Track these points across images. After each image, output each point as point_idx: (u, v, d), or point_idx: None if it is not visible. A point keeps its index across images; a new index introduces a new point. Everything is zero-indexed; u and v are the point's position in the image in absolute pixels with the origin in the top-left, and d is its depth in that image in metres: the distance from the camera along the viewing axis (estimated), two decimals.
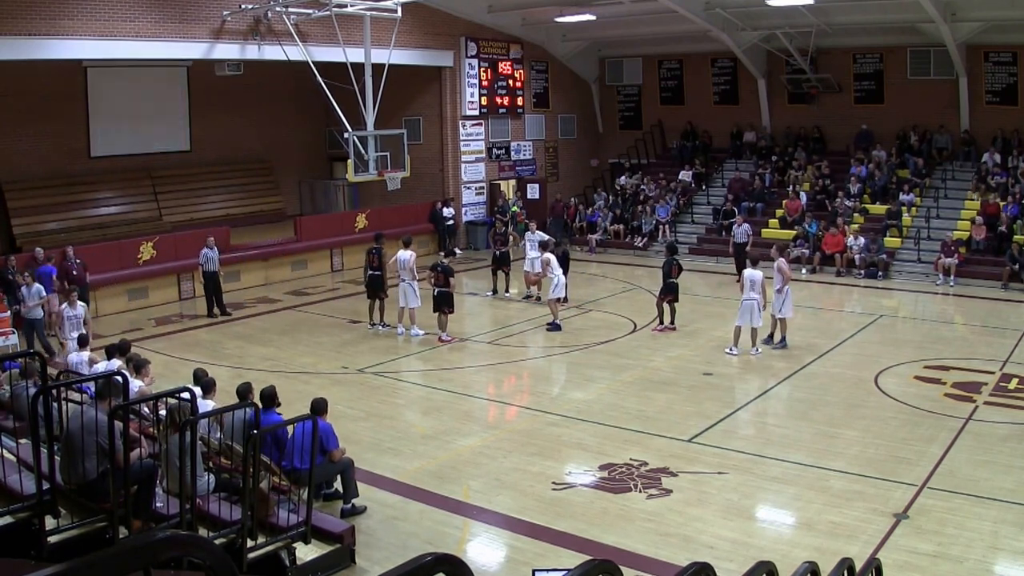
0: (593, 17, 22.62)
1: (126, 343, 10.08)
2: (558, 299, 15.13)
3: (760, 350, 13.14)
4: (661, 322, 14.79)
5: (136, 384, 8.31)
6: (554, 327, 14.81)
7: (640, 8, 21.61)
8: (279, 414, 7.79)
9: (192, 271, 18.21)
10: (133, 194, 21.55)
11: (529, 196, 24.79)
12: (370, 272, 15.17)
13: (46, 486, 5.80)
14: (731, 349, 13.24)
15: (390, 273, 14.87)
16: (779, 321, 13.44)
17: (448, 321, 14.33)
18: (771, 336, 13.56)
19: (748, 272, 13.17)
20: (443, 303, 14.13)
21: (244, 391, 7.81)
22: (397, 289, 14.57)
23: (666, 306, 14.70)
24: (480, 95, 23.80)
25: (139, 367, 8.97)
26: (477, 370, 13.10)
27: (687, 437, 9.83)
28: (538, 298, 16.83)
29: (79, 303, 12.35)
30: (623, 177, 25.58)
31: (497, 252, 17.80)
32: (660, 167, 25.66)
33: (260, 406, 8.02)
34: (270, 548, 6.29)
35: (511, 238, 18.76)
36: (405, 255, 14.42)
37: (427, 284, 14.53)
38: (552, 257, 15.14)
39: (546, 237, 16.80)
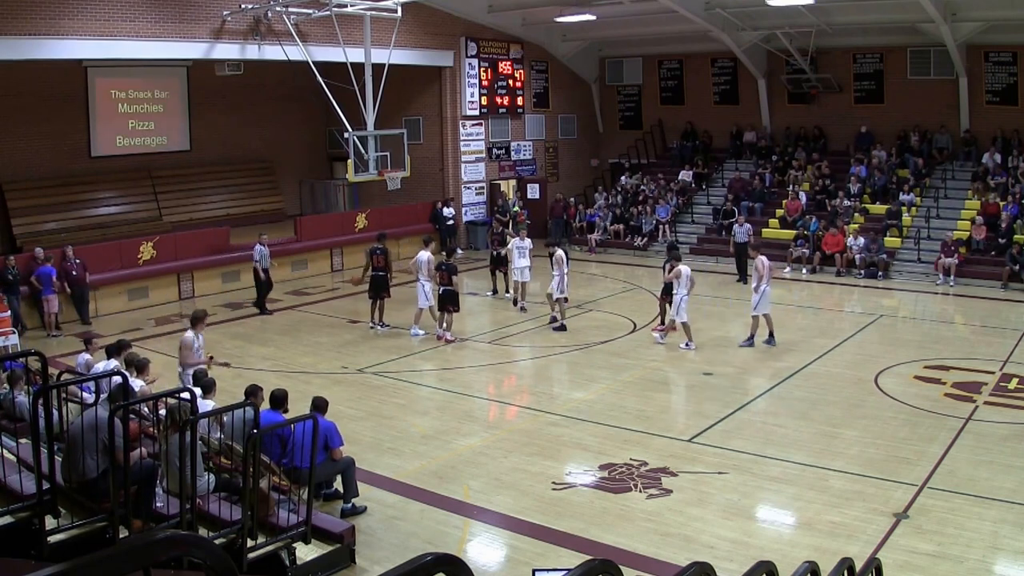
0: (593, 17, 22.62)
1: (124, 343, 10.06)
2: (564, 298, 15.10)
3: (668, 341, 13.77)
4: (662, 322, 14.79)
5: (137, 384, 8.31)
6: (560, 327, 14.82)
7: (640, 8, 21.60)
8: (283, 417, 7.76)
9: (192, 271, 18.24)
10: (133, 194, 21.56)
11: (529, 196, 24.80)
12: (372, 272, 15.18)
13: (46, 486, 5.80)
14: (688, 344, 13.64)
15: (410, 273, 14.78)
16: (758, 318, 13.48)
17: (452, 320, 14.34)
18: (771, 335, 13.59)
19: (684, 268, 13.62)
20: (448, 302, 14.15)
21: (251, 392, 7.86)
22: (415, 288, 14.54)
23: (667, 306, 14.69)
24: (480, 95, 23.81)
25: (140, 367, 8.96)
26: (477, 370, 13.11)
27: (687, 437, 9.83)
28: (523, 308, 16.36)
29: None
30: (624, 177, 25.58)
31: (495, 252, 17.79)
32: (660, 167, 25.65)
33: (258, 407, 8.04)
34: (270, 548, 6.29)
35: (509, 238, 18.68)
36: (425, 255, 14.45)
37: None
38: (562, 254, 15.02)
39: (530, 244, 16.41)
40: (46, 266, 15.20)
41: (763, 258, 13.66)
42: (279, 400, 7.82)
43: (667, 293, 14.55)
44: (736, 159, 24.92)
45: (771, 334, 13.60)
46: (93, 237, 19.04)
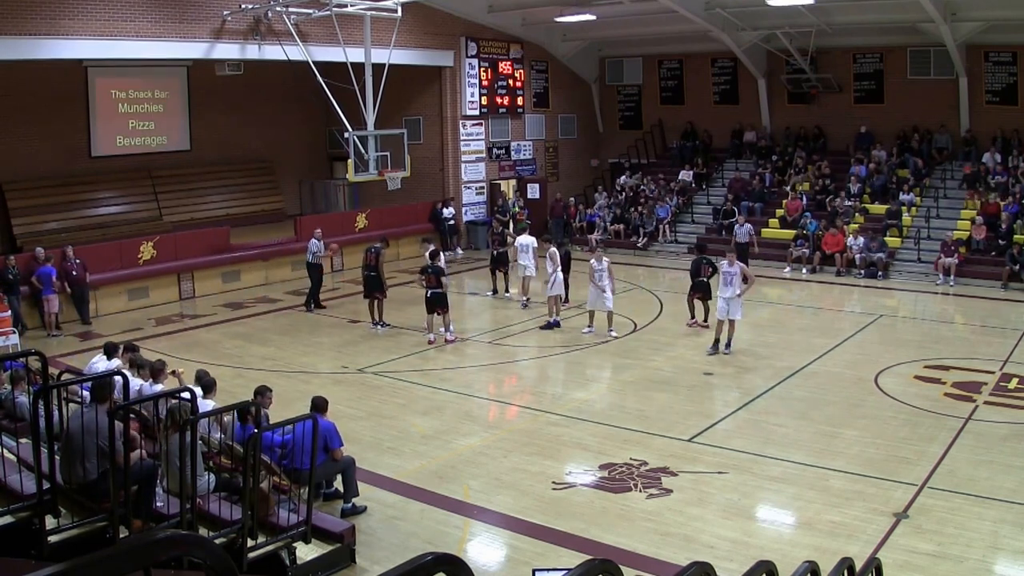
0: (593, 17, 22.61)
1: (130, 345, 10.01)
2: (557, 297, 15.15)
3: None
4: (692, 316, 14.91)
5: (158, 388, 8.24)
6: (549, 325, 14.83)
7: (640, 8, 21.60)
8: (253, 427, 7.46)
9: (192, 271, 18.24)
10: (133, 194, 21.55)
11: (529, 196, 24.80)
12: (366, 272, 15.19)
13: (46, 485, 5.80)
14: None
15: (411, 273, 14.85)
16: (730, 323, 13.15)
17: (449, 320, 14.33)
18: (718, 342, 13.20)
19: (554, 249, 15.06)
20: (437, 304, 14.09)
21: (260, 392, 7.93)
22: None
23: (697, 303, 14.82)
24: (480, 95, 23.82)
25: (155, 372, 8.66)
26: (477, 370, 13.10)
27: (687, 437, 9.83)
28: (525, 304, 16.55)
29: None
30: (624, 176, 25.60)
31: (495, 252, 17.80)
32: (660, 167, 25.66)
33: (267, 407, 8.03)
34: (270, 548, 6.29)
35: (508, 238, 18.72)
36: (529, 239, 15.42)
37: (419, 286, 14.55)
38: (555, 251, 15.12)
39: (534, 241, 16.77)
40: (46, 266, 15.19)
41: (741, 263, 13.61)
42: (245, 414, 7.38)
43: (698, 289, 14.65)
44: (736, 159, 24.92)
45: (727, 341, 13.25)
46: (93, 237, 19.02)
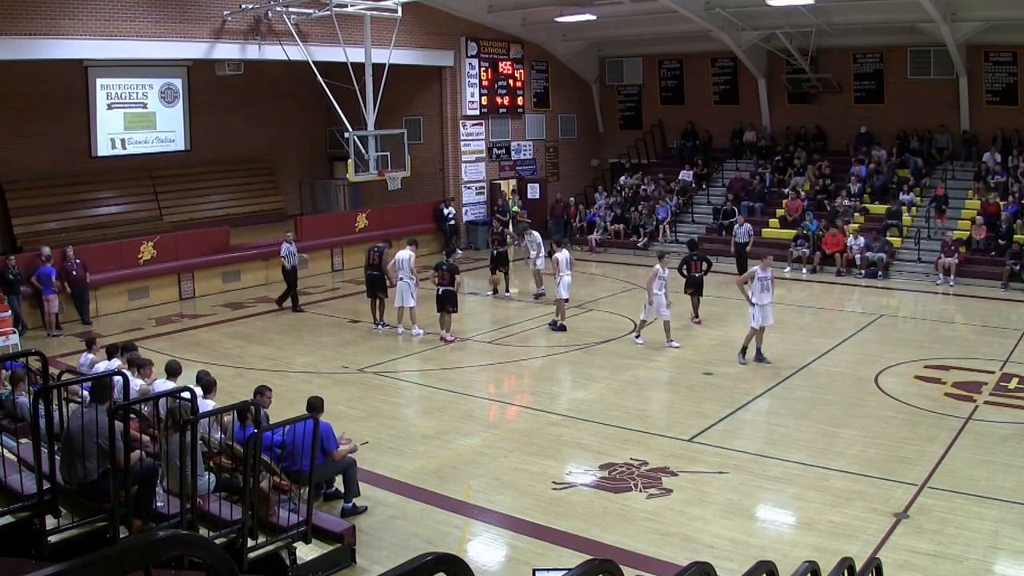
0: (593, 17, 22.61)
1: (130, 344, 10.05)
2: (565, 299, 15.16)
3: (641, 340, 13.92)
4: (696, 315, 15.22)
5: (170, 386, 8.26)
6: (559, 328, 14.81)
7: (640, 8, 21.61)
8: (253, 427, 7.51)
9: (192, 271, 18.24)
10: (133, 194, 21.57)
11: (529, 196, 24.81)
12: (369, 271, 15.19)
13: (47, 485, 5.80)
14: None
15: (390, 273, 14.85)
16: (760, 330, 12.79)
17: (451, 321, 14.33)
18: (759, 351, 12.78)
19: (563, 254, 14.73)
20: (447, 302, 14.10)
21: (259, 392, 7.89)
22: (395, 289, 14.61)
23: (696, 299, 15.10)
24: (480, 95, 23.82)
25: (171, 372, 8.70)
26: (477, 370, 13.10)
27: (687, 437, 9.83)
28: (541, 294, 17.09)
29: None
30: (624, 176, 25.60)
31: (495, 252, 17.81)
32: (660, 167, 25.67)
33: (266, 406, 8.02)
34: (271, 548, 6.29)
35: (508, 237, 18.75)
36: (404, 254, 14.44)
37: (431, 283, 14.54)
38: (562, 257, 15.07)
39: (539, 237, 17.34)
40: (46, 266, 15.18)
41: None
42: (243, 413, 7.42)
43: (691, 285, 14.89)
44: (736, 159, 24.92)
45: (744, 348, 12.92)
46: (93, 237, 19.04)
